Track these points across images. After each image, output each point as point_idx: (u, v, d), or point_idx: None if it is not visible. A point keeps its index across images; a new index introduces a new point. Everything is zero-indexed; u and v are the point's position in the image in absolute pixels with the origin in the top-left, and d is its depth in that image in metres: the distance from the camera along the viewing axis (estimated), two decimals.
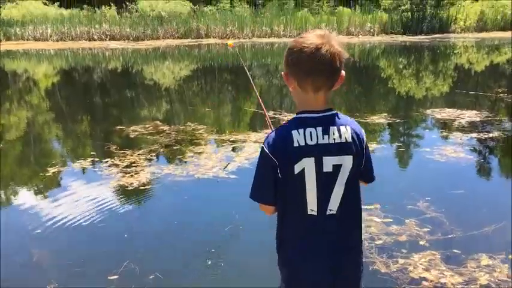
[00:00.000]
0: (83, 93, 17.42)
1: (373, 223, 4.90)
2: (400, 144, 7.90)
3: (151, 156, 7.43)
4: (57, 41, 33.82)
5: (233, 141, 8.10)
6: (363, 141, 1.89)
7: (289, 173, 1.84)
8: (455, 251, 4.31)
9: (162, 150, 7.79)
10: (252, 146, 7.69)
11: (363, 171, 1.94)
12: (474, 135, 8.05)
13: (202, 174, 6.53)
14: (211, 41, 33.92)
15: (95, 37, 33.86)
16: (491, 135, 8.05)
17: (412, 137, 8.60)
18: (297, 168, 1.82)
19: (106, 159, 7.29)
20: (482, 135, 8.02)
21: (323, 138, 1.82)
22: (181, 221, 5.25)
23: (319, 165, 1.83)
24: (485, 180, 6.44)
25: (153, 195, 6.05)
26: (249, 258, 4.31)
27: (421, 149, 7.56)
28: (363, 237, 2.15)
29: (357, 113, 9.97)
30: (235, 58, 26.24)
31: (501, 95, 11.83)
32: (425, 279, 3.89)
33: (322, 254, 1.91)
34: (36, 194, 6.31)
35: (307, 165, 1.82)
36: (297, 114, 1.90)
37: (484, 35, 35.55)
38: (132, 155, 7.43)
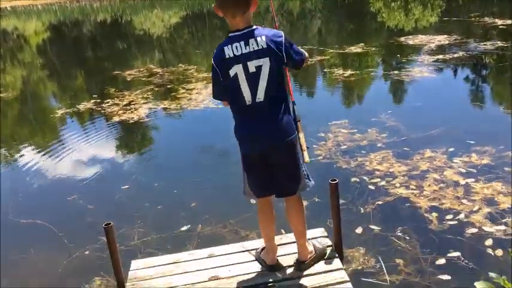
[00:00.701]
0: (75, 47, 17.92)
1: (341, 133, 5.76)
2: (372, 69, 8.66)
3: (147, 95, 8.22)
4: None
5: None
6: (281, 43, 2.63)
7: (228, 77, 2.65)
8: (405, 149, 5.18)
9: (157, 89, 8.57)
10: None
11: (289, 63, 2.71)
12: (440, 57, 8.80)
13: (194, 107, 7.34)
14: None
15: None
16: (455, 55, 8.80)
17: (383, 62, 9.35)
18: (231, 73, 2.62)
19: (107, 100, 8.09)
20: (447, 57, 8.77)
21: (245, 49, 2.58)
22: (179, 142, 6.16)
23: (245, 68, 2.60)
24: (442, 94, 7.23)
25: (152, 125, 6.90)
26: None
27: (390, 72, 8.33)
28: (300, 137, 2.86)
29: (336, 45, 10.64)
30: None
31: (474, 19, 12.41)
32: (378, 170, 4.79)
33: (255, 122, 2.73)
34: (49, 131, 7.17)
35: (237, 70, 2.60)
36: (228, 34, 2.68)
37: None
38: (130, 95, 8.22)
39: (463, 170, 4.57)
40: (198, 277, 3.12)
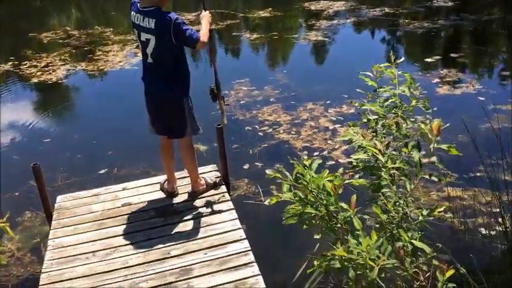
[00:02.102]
0: None
1: (241, 91, 6.66)
2: (276, 32, 9.56)
3: (65, 57, 8.62)
4: None
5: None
6: (169, 28, 3.28)
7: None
8: (292, 102, 6.18)
9: (74, 51, 8.97)
10: None
11: (182, 43, 3.48)
12: (335, 22, 9.88)
13: (111, 68, 7.91)
14: None
15: None
16: (348, 20, 9.92)
17: (286, 26, 10.29)
18: (136, 34, 3.43)
19: (24, 62, 8.41)
20: (340, 21, 9.87)
21: (142, 22, 3.36)
22: (96, 100, 6.79)
23: (139, 36, 3.41)
24: (332, 56, 8.31)
25: (70, 86, 7.44)
26: None
27: (290, 35, 9.30)
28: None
29: (247, 9, 11.43)
30: None
31: None
32: (267, 120, 5.77)
33: (150, 78, 3.55)
34: None
35: (137, 34, 3.39)
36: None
37: None
38: (47, 57, 8.59)
39: (334, 118, 5.65)
40: (114, 204, 3.93)
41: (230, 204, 3.83)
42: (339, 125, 5.45)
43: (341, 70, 7.41)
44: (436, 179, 2.37)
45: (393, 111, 2.69)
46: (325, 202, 2.24)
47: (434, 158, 2.36)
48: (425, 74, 6.96)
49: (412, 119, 2.67)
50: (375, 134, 2.67)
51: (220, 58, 8.71)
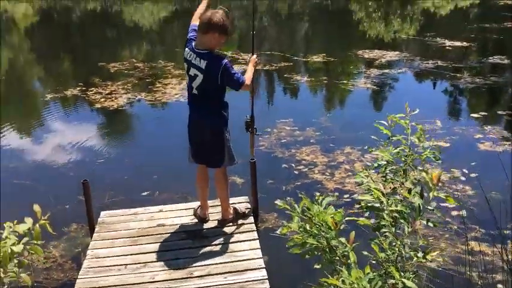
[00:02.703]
0: (64, 33, 18.79)
1: (284, 130, 6.96)
2: (325, 77, 9.88)
3: (127, 86, 9.32)
4: None
5: None
6: (218, 71, 3.66)
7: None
8: (331, 145, 6.40)
9: (136, 81, 9.68)
10: None
11: (227, 85, 3.84)
12: (385, 71, 10.07)
13: (167, 99, 8.49)
14: None
15: None
16: (398, 70, 10.09)
17: (336, 72, 10.59)
18: (185, 68, 3.83)
19: (91, 88, 9.18)
20: (391, 71, 10.06)
21: (194, 60, 3.75)
22: (149, 128, 7.33)
23: (188, 70, 3.79)
24: (376, 104, 8.50)
25: (129, 113, 8.05)
26: None
27: (340, 81, 9.57)
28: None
29: (301, 53, 11.88)
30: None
31: (429, 38, 13.72)
32: (304, 160, 6.01)
33: (193, 107, 3.91)
34: (37, 114, 8.25)
35: (186, 68, 3.80)
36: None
37: None
38: (112, 86, 9.32)
39: (369, 164, 5.79)
40: (149, 224, 4.29)
41: (255, 235, 4.09)
42: (373, 171, 5.59)
43: (383, 118, 7.55)
44: (431, 225, 2.52)
45: (403, 158, 2.89)
46: (327, 235, 2.46)
47: (434, 204, 2.53)
48: (469, 128, 7.00)
49: (420, 168, 2.85)
50: (384, 178, 2.87)
51: (268, 97, 9.12)
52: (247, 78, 3.90)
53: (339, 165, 5.83)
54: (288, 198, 2.72)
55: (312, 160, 5.99)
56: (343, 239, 2.45)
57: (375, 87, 9.04)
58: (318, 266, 2.52)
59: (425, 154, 2.92)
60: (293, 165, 5.87)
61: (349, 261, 2.34)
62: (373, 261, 2.48)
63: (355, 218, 2.56)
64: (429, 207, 2.49)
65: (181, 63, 4.00)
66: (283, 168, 5.81)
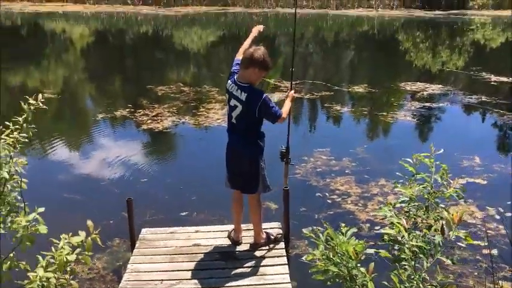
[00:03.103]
0: (116, 54, 19.75)
1: (320, 159, 7.14)
2: (365, 108, 10.02)
3: (172, 109, 9.77)
4: (94, 4, 36.07)
5: None
6: (257, 104, 3.94)
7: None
8: (366, 176, 6.52)
9: (181, 105, 10.13)
10: None
11: (264, 117, 4.09)
12: (427, 104, 10.11)
13: (210, 124, 8.85)
14: (238, 9, 35.71)
15: (129, 1, 36.03)
16: (440, 104, 10.10)
17: (376, 103, 10.69)
18: (226, 98, 4.11)
19: (139, 110, 9.68)
20: (433, 104, 10.08)
21: (236, 92, 4.02)
22: (191, 150, 7.68)
23: (229, 100, 4.07)
24: (415, 136, 8.54)
25: (172, 135, 8.45)
26: None
27: (379, 112, 9.69)
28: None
29: (344, 82, 12.07)
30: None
31: (474, 72, 13.61)
32: (338, 189, 6.15)
33: (232, 135, 4.18)
34: (89, 132, 8.78)
35: (227, 98, 4.07)
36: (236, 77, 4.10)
37: (501, 12, 36.19)
38: (158, 108, 9.80)
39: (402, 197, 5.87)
40: (186, 243, 4.55)
41: (285, 260, 4.27)
42: (398, 206, 5.67)
43: (420, 152, 7.60)
44: (450, 262, 2.65)
45: (426, 196, 3.04)
46: (347, 265, 2.64)
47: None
48: (508, 167, 6.97)
49: (442, 205, 2.99)
50: (407, 214, 3.03)
51: (307, 126, 9.33)
52: (284, 112, 4.16)
53: (373, 196, 5.95)
54: (315, 227, 2.91)
55: (345, 190, 6.13)
56: (363, 269, 2.61)
57: (415, 120, 9.10)
58: None
59: (449, 192, 3.07)
60: (327, 194, 6.03)
61: None
62: None
63: (376, 250, 2.73)
64: (449, 245, 2.63)
65: (225, 89, 4.30)
66: (316, 196, 5.97)
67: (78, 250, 2.21)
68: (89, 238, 2.19)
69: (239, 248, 4.46)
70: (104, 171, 6.95)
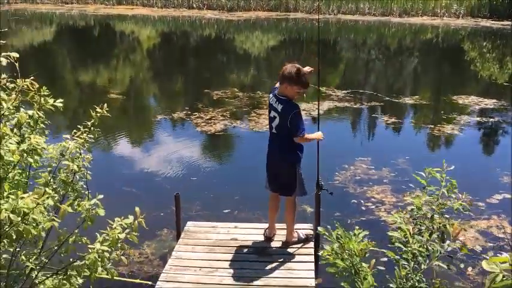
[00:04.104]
0: (180, 55, 20.75)
1: (360, 168, 7.45)
2: (413, 120, 10.17)
3: (225, 114, 10.37)
4: (161, 7, 37.71)
5: None
6: (289, 116, 4.37)
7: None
8: (403, 186, 6.76)
9: (234, 110, 10.72)
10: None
11: (290, 129, 4.53)
12: (477, 119, 10.10)
13: (259, 129, 9.36)
14: (299, 15, 36.10)
15: (194, 5, 37.36)
16: (491, 120, 10.07)
17: (424, 115, 10.79)
18: (268, 110, 4.59)
19: (195, 113, 10.37)
20: (483, 119, 10.06)
21: (275, 103, 4.49)
22: (238, 152, 8.23)
23: (270, 112, 4.54)
24: (458, 151, 8.62)
25: (223, 138, 9.05)
26: None
27: (426, 124, 9.82)
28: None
29: (394, 94, 12.22)
30: (318, 32, 28.15)
31: None
32: (374, 197, 6.47)
33: (272, 144, 4.65)
34: (145, 136, 9.55)
35: (269, 110, 4.54)
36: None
37: None
38: (212, 112, 10.43)
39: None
40: (225, 237, 5.07)
41: (312, 258, 4.68)
42: (437, 216, 5.90)
43: (461, 168, 7.71)
44: (445, 267, 2.99)
45: (433, 206, 3.38)
46: (353, 260, 3.04)
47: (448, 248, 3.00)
48: None
49: (447, 215, 3.32)
50: (415, 221, 3.38)
51: (352, 135, 9.63)
52: (307, 136, 4.53)
53: (406, 206, 6.18)
54: (328, 226, 3.31)
55: (380, 199, 6.44)
56: (365, 264, 3.01)
57: (461, 134, 9.18)
58: (343, 284, 3.08)
59: (455, 205, 3.39)
60: (362, 201, 6.36)
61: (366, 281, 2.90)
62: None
63: (378, 249, 3.12)
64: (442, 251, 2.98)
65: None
66: (352, 203, 6.32)
67: (127, 230, 2.76)
68: (136, 221, 2.73)
69: (272, 245, 4.91)
70: (158, 167, 7.63)
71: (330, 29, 31.52)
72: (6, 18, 31.40)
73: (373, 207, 6.20)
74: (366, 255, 3.06)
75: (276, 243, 4.93)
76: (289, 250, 4.81)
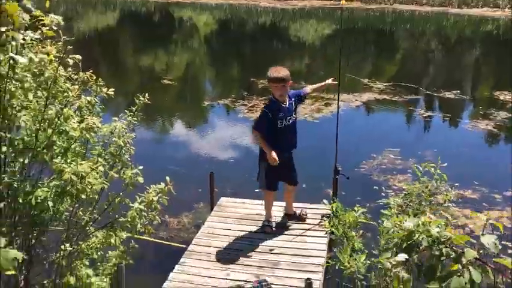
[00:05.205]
0: (234, 43, 21.54)
1: (388, 158, 7.91)
2: (449, 114, 10.40)
3: (265, 102, 10.99)
4: None
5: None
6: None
7: None
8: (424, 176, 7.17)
9: None
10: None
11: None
12: None
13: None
14: (354, 4, 35.95)
15: None
16: None
17: (460, 109, 10.97)
18: None
19: (239, 101, 11.09)
20: None
21: None
22: None
23: None
24: (487, 145, 8.85)
25: None
26: None
27: (462, 119, 10.04)
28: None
29: (434, 87, 12.42)
30: (374, 22, 28.08)
31: None
32: (395, 185, 6.94)
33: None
34: (194, 120, 10.38)
35: None
36: None
37: None
38: (256, 100, 11.11)
39: (454, 199, 6.51)
40: (251, 212, 5.76)
41: (326, 234, 5.29)
42: (452, 204, 6.32)
43: (486, 164, 8.00)
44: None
45: (422, 192, 3.94)
46: (345, 228, 3.67)
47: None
48: None
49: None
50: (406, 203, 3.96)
51: (386, 127, 10.03)
52: (257, 132, 5.20)
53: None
54: (326, 201, 3.93)
55: (401, 187, 6.90)
56: (353, 233, 3.64)
57: (495, 130, 9.36)
58: (334, 249, 3.72)
59: (442, 193, 3.95)
60: (383, 187, 6.85)
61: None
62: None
63: (366, 220, 3.73)
64: None
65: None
66: (374, 189, 6.82)
67: (160, 194, 3.50)
68: (166, 187, 3.46)
69: (289, 220, 5.57)
70: (200, 149, 8.43)
71: (386, 19, 31.28)
72: (73, 2, 33.37)
73: (392, 194, 6.67)
74: (358, 226, 3.67)
75: (293, 219, 5.57)
76: (307, 226, 5.44)
